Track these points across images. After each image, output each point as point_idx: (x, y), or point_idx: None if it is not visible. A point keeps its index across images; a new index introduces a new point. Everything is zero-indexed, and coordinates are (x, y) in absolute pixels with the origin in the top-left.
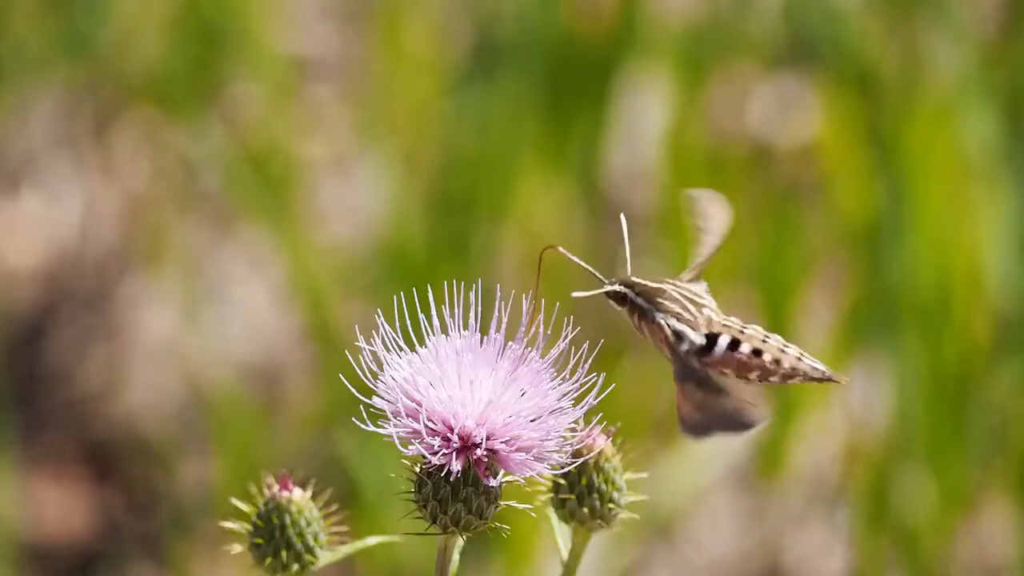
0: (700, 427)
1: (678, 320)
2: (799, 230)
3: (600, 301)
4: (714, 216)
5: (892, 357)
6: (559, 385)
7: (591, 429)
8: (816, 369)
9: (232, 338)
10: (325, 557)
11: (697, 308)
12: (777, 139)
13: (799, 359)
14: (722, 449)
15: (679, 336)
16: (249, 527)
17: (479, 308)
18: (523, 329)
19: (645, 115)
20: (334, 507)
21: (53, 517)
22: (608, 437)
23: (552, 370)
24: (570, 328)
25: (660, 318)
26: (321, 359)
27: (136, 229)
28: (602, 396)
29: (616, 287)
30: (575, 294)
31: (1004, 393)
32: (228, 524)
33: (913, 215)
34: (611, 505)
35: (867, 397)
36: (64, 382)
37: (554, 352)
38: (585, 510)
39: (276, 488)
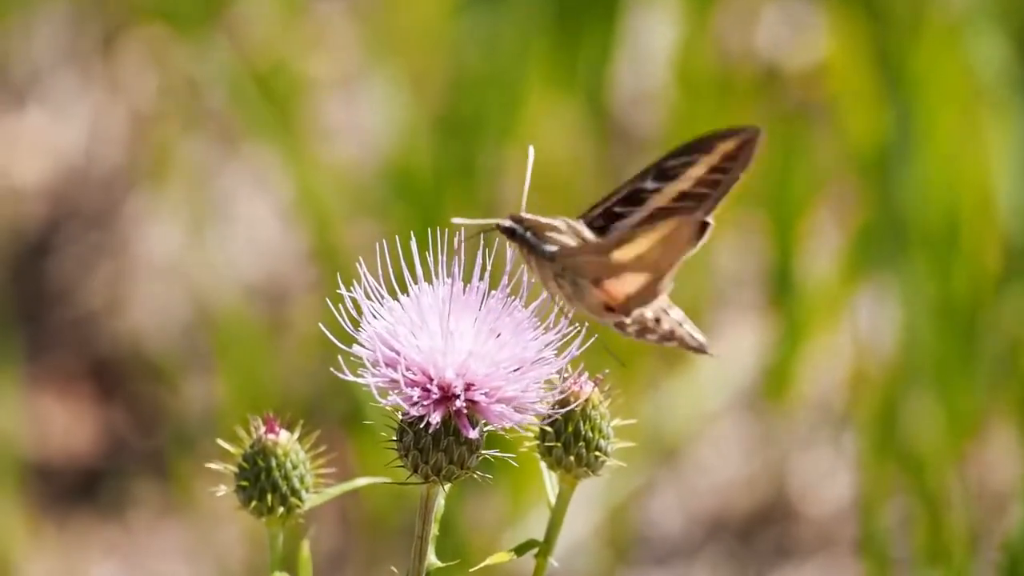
0: (659, 273)
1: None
2: (807, 153)
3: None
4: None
5: (900, 282)
6: (542, 335)
7: (578, 376)
8: (693, 338)
9: (237, 257)
10: (311, 500)
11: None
12: (785, 61)
13: (680, 324)
14: (729, 373)
15: (579, 249)
16: (235, 469)
17: (462, 256)
18: (507, 278)
19: (653, 36)
20: (323, 446)
21: (57, 434)
22: (596, 383)
23: (535, 319)
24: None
25: (548, 247)
26: (326, 279)
27: (142, 146)
28: (584, 347)
29: (505, 222)
30: (455, 220)
31: (1012, 319)
32: (213, 465)
33: (922, 139)
34: (598, 453)
35: (875, 322)
36: (69, 299)
37: (538, 301)
38: (571, 458)
39: (262, 430)
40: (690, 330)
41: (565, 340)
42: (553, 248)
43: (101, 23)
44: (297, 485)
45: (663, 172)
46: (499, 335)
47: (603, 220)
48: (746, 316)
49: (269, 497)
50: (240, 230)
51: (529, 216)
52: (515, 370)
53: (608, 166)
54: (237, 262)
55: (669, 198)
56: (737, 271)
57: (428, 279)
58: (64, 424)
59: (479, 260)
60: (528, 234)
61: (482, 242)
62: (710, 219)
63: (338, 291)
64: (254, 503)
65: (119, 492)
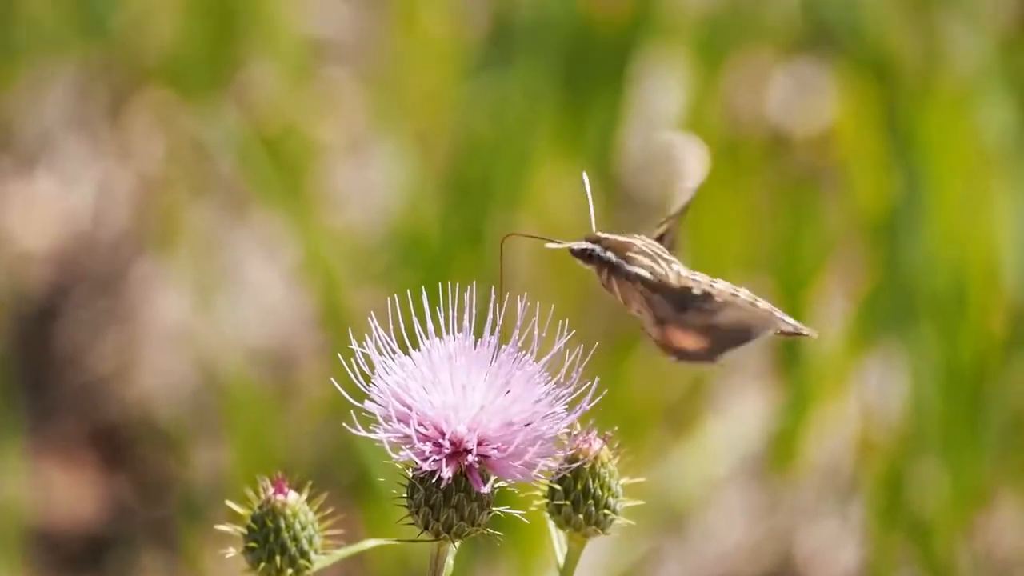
0: (714, 351)
1: (651, 273)
2: (815, 217)
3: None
4: (689, 161)
5: (907, 348)
6: (554, 389)
7: (587, 433)
8: (787, 323)
9: (245, 322)
10: (320, 561)
11: (666, 263)
12: (794, 125)
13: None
14: (735, 440)
15: (657, 285)
16: (244, 530)
17: (473, 310)
18: (518, 332)
19: (662, 100)
20: (331, 509)
21: (63, 502)
22: (604, 441)
23: (547, 374)
24: (565, 330)
25: (634, 269)
26: (333, 344)
27: (150, 211)
28: (596, 401)
29: (582, 244)
30: (549, 245)
31: (1019, 386)
32: (223, 527)
33: (930, 204)
34: (607, 511)
35: (882, 389)
36: (76, 365)
37: (549, 356)
38: (580, 516)
39: (271, 491)
40: (782, 316)
41: (576, 395)
42: (640, 271)
43: (109, 88)
44: (306, 546)
45: None
46: (509, 391)
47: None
48: (753, 383)
49: (278, 559)
50: (248, 295)
51: (608, 235)
52: (527, 424)
53: (616, 230)
54: (245, 327)
55: None
56: None
57: (439, 334)
58: (70, 491)
59: (490, 315)
60: (609, 254)
61: (492, 296)
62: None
63: (350, 347)
64: (263, 565)
65: (126, 561)
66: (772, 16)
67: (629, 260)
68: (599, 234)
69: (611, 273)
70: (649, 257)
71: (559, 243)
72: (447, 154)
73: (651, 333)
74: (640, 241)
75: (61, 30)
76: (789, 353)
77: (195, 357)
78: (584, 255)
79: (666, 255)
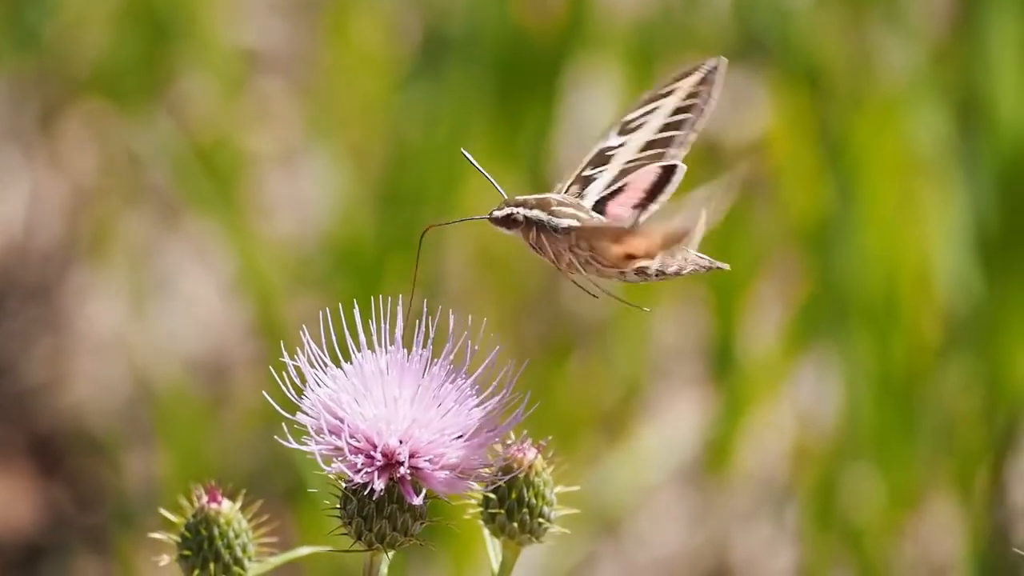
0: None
1: (578, 220)
2: (748, 226)
3: (550, 295)
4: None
5: (841, 355)
6: (485, 402)
7: (521, 442)
8: (703, 258)
9: (179, 331)
10: (254, 569)
11: (586, 213)
12: (726, 135)
13: (687, 251)
14: (670, 446)
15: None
16: (177, 538)
17: (404, 323)
18: (451, 344)
19: (594, 110)
20: (265, 516)
21: None
22: (539, 450)
23: (479, 387)
24: (498, 341)
25: (563, 222)
26: (268, 353)
27: (83, 221)
28: (528, 413)
29: (504, 209)
30: (488, 216)
31: (952, 391)
32: (157, 535)
33: (862, 212)
34: (541, 519)
35: (816, 395)
36: (9, 375)
37: (481, 368)
38: (515, 525)
39: (205, 499)
40: (697, 254)
41: (509, 407)
42: (569, 221)
43: (41, 98)
44: (240, 554)
45: (625, 127)
46: (441, 403)
47: (579, 187)
48: (687, 389)
49: (212, 566)
50: (181, 305)
51: (528, 196)
52: (459, 436)
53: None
54: (178, 337)
55: (635, 150)
56: (678, 344)
57: (371, 347)
58: (5, 499)
59: (422, 327)
60: (535, 211)
61: (425, 309)
62: (680, 163)
63: (281, 360)
64: (196, 572)
65: (61, 567)
66: (704, 26)
67: (555, 214)
68: (516, 197)
69: (540, 231)
70: (571, 207)
71: (481, 216)
72: (380, 164)
73: (605, 262)
74: (556, 196)
75: None
76: (723, 359)
77: (129, 366)
78: (508, 220)
79: (583, 206)
